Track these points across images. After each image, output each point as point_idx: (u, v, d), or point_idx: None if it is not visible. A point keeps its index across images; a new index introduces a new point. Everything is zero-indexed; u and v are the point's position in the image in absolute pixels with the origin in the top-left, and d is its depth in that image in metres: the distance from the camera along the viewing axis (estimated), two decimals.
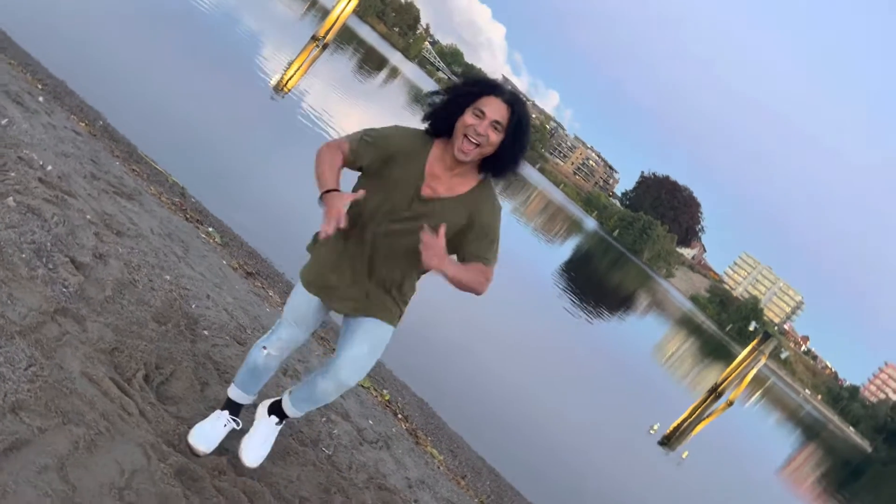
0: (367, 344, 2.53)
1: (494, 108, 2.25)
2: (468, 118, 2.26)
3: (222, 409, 2.82)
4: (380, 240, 2.42)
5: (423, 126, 2.44)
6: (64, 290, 2.97)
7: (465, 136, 2.26)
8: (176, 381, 3.01)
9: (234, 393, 2.83)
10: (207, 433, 2.71)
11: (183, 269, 4.05)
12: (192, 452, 2.64)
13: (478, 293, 2.34)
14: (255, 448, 2.77)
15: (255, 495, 2.65)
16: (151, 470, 2.37)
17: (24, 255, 2.96)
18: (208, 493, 2.47)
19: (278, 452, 3.03)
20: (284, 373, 3.90)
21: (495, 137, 2.26)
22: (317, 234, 2.60)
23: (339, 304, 2.55)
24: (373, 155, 2.39)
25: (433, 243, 2.13)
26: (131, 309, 3.23)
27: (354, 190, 2.40)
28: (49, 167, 3.87)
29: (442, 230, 2.18)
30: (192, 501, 2.37)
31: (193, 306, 3.73)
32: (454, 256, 2.40)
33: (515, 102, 2.29)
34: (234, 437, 2.82)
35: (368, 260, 2.46)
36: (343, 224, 2.17)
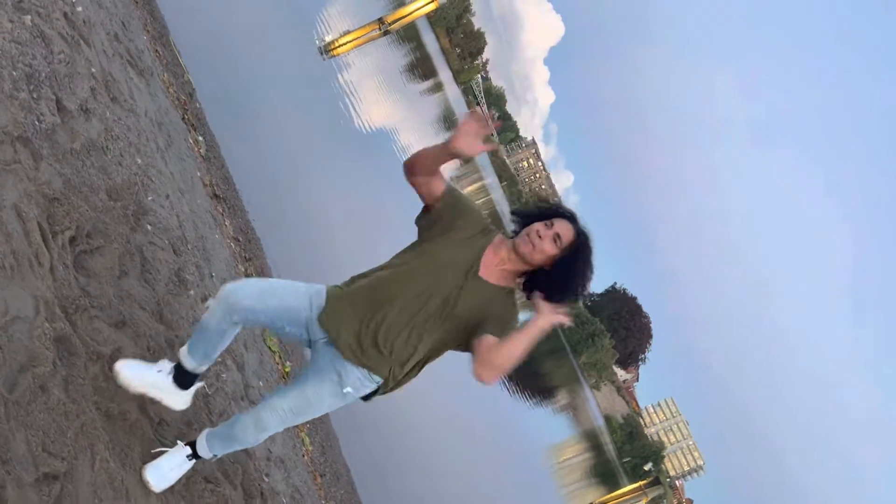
0: (310, 394, 2.43)
1: (563, 227, 2.40)
2: (538, 224, 2.40)
3: (171, 373, 2.57)
4: (428, 315, 2.38)
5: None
6: (37, 123, 2.90)
7: (528, 234, 2.39)
8: (99, 257, 2.94)
9: (181, 350, 2.59)
10: (138, 370, 2.56)
11: (157, 161, 4.00)
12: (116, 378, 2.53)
13: (493, 377, 2.38)
14: (160, 471, 2.53)
15: (116, 396, 2.57)
16: (34, 325, 2.29)
17: (14, 73, 2.89)
18: (77, 371, 2.40)
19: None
20: (204, 299, 3.83)
21: (550, 249, 2.37)
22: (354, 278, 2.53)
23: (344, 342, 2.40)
24: (452, 206, 2.47)
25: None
26: (91, 172, 3.17)
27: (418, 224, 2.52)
28: (79, 8, 3.81)
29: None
30: (58, 371, 2.30)
31: (149, 198, 3.67)
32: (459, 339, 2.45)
33: (583, 234, 2.44)
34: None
35: (409, 331, 2.39)
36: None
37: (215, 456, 2.64)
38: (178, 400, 2.63)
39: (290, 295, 2.46)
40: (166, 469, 2.55)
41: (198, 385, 2.66)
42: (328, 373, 2.41)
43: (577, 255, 2.41)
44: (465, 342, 2.44)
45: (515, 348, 2.32)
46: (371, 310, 2.39)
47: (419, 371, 2.54)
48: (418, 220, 2.54)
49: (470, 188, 60.00)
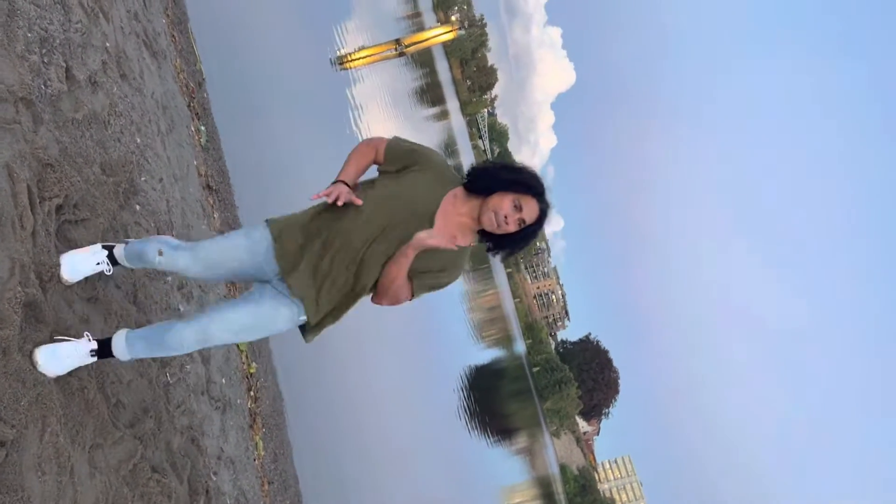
0: (266, 311, 2.41)
1: (530, 209, 2.44)
2: (507, 204, 2.41)
3: (104, 247, 2.66)
4: (374, 248, 2.40)
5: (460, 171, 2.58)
6: (43, 87, 2.89)
7: (495, 212, 2.41)
8: (82, 229, 2.92)
9: (119, 246, 2.65)
10: (77, 264, 2.60)
11: (155, 144, 3.98)
12: (59, 275, 2.55)
13: (387, 305, 2.51)
14: (56, 355, 2.36)
15: (77, 371, 2.53)
16: (6, 286, 2.26)
17: (29, 35, 2.89)
18: (42, 339, 2.36)
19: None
20: (180, 288, 3.80)
21: (514, 229, 2.43)
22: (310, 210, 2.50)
23: (291, 273, 2.42)
24: (404, 161, 2.49)
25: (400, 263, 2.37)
26: (88, 144, 3.15)
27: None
28: None
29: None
30: (24, 336, 2.26)
31: (143, 179, 3.65)
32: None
33: (546, 212, 2.48)
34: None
35: (351, 259, 2.41)
36: (341, 201, 2.28)
37: (132, 360, 2.53)
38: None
39: (230, 258, 2.48)
40: (64, 355, 2.37)
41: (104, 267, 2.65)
42: (286, 299, 2.41)
43: (536, 226, 2.48)
44: None
45: (395, 269, 2.38)
46: (322, 240, 2.41)
47: (347, 308, 2.51)
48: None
49: None
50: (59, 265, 2.59)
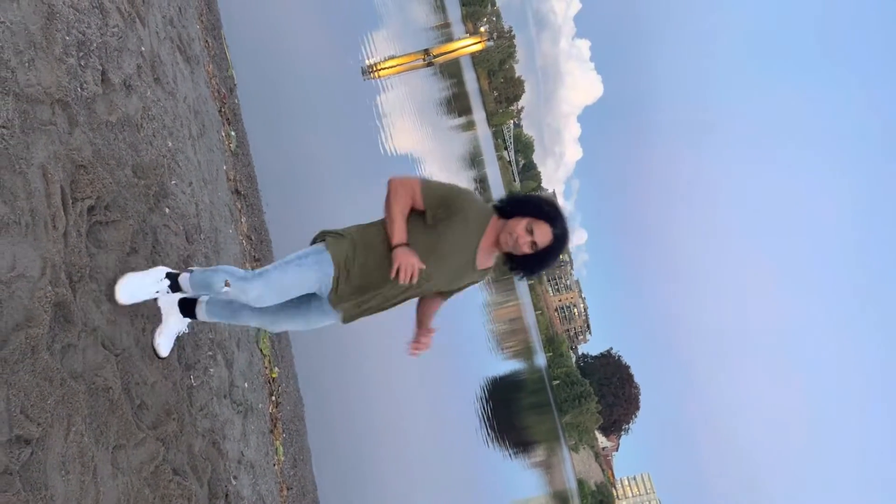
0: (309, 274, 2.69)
1: (543, 233, 2.62)
2: (520, 228, 2.62)
3: (167, 276, 2.86)
4: (423, 286, 2.69)
5: (490, 201, 2.83)
6: (79, 90, 2.94)
7: (510, 233, 2.63)
8: (112, 230, 2.95)
9: (183, 277, 2.86)
10: (136, 290, 2.77)
11: (186, 148, 4.02)
12: (115, 295, 2.70)
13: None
14: (166, 339, 2.92)
15: (103, 372, 2.55)
16: (37, 286, 2.29)
17: (67, 38, 2.93)
18: (69, 339, 2.39)
19: (150, 354, 2.95)
20: (226, 395, 3.81)
21: (527, 251, 2.64)
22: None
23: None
24: (439, 211, 2.66)
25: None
26: (121, 146, 3.19)
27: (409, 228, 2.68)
28: None
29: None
30: (53, 336, 2.28)
31: (173, 183, 3.68)
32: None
33: (561, 237, 2.66)
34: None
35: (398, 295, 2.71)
36: (416, 278, 2.53)
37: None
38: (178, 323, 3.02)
39: (302, 287, 2.71)
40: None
41: (185, 330, 3.03)
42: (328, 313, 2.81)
43: (551, 251, 2.67)
44: None
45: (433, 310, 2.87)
46: (373, 293, 2.70)
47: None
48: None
49: None
50: (113, 282, 2.74)
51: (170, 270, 2.92)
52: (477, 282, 2.90)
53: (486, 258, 2.76)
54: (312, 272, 2.67)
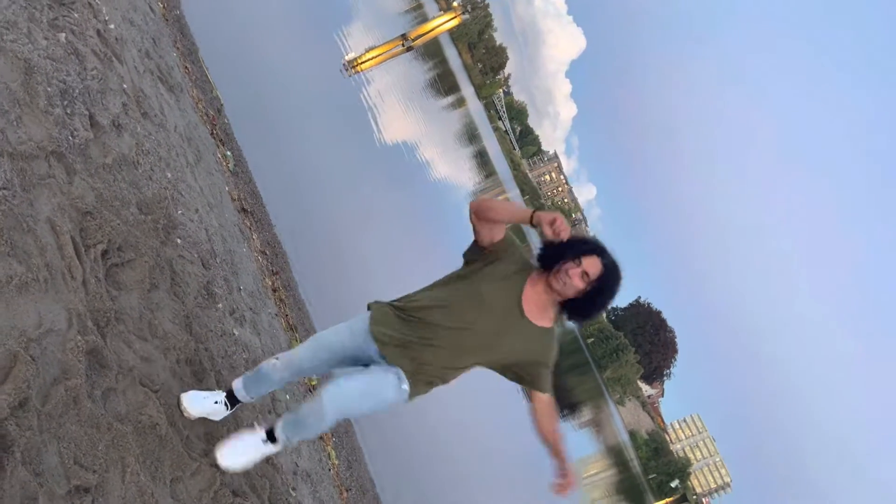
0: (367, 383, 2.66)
1: (591, 264, 2.60)
2: (570, 263, 2.60)
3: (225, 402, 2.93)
4: (476, 330, 2.62)
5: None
6: (70, 138, 2.94)
7: (559, 272, 2.61)
8: (130, 270, 2.97)
9: (236, 384, 2.91)
10: (199, 401, 2.86)
11: (186, 176, 4.03)
12: (179, 406, 2.80)
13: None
14: (232, 451, 2.81)
15: (147, 409, 2.58)
16: (67, 337, 2.31)
17: (49, 89, 2.94)
18: (108, 383, 2.41)
19: (190, 384, 2.98)
20: (231, 313, 3.84)
21: (580, 285, 2.59)
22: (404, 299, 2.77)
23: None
24: (505, 249, 2.70)
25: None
26: (122, 186, 3.20)
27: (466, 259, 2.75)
28: (112, 25, 3.88)
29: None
30: (91, 383, 2.31)
31: (179, 212, 3.70)
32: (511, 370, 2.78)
33: (611, 267, 2.63)
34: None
35: (456, 343, 2.64)
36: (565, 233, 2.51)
37: (289, 440, 2.81)
38: (223, 418, 2.99)
39: (335, 340, 2.75)
40: (242, 449, 2.81)
41: (242, 402, 3.00)
42: (389, 371, 2.65)
43: (604, 284, 2.61)
44: (511, 376, 2.81)
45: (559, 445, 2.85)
46: (415, 335, 2.64)
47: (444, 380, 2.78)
48: (468, 254, 2.76)
49: None
50: (139, 320, 2.80)
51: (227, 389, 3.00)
52: (539, 350, 2.74)
53: (539, 312, 2.68)
54: (344, 327, 2.74)
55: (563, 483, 2.80)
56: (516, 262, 2.71)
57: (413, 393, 2.68)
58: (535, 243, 2.77)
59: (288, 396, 4.27)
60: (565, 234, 2.49)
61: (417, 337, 2.63)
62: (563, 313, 2.72)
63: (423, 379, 2.67)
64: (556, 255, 2.64)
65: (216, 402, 2.90)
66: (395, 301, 2.76)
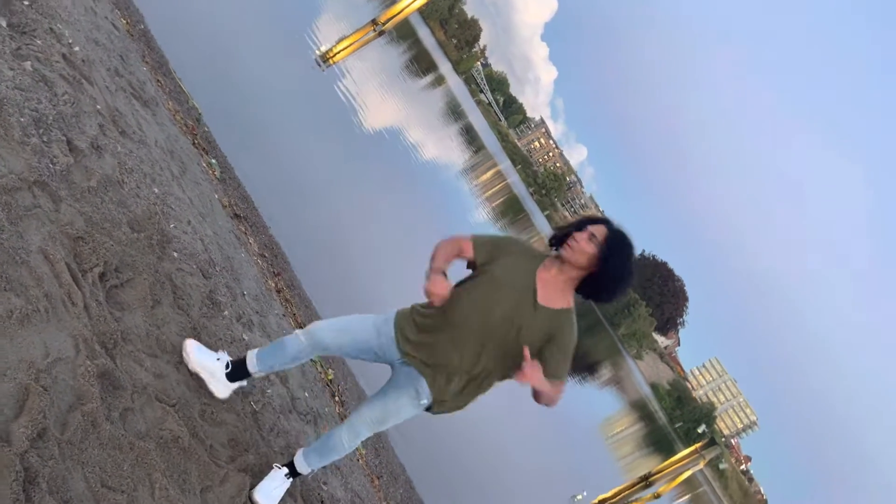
0: (390, 403, 2.87)
1: (596, 228, 2.67)
2: (576, 233, 2.67)
3: (228, 367, 3.00)
4: (494, 332, 2.67)
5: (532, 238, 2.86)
6: (51, 166, 2.92)
7: (569, 244, 2.66)
8: (130, 290, 2.95)
9: (250, 353, 2.98)
10: (203, 353, 2.98)
11: (173, 189, 4.00)
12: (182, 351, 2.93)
13: (550, 406, 2.74)
14: (265, 493, 2.89)
15: (167, 424, 2.58)
16: (76, 363, 2.30)
17: (22, 119, 2.90)
18: (124, 403, 2.41)
19: (206, 392, 2.98)
20: (238, 318, 3.84)
21: (588, 247, 2.62)
22: (423, 305, 2.81)
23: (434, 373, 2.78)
24: (491, 253, 2.75)
25: (535, 363, 2.53)
26: (110, 207, 3.18)
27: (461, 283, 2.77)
28: (76, 48, 3.83)
29: (526, 351, 2.53)
30: (107, 405, 2.31)
31: (171, 226, 3.67)
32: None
33: (618, 232, 2.66)
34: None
35: (479, 348, 2.69)
36: (443, 300, 2.59)
37: (313, 470, 3.02)
38: (222, 389, 3.01)
39: (360, 330, 2.84)
40: (270, 489, 2.90)
41: (241, 383, 3.05)
42: (406, 388, 2.81)
43: (616, 251, 2.63)
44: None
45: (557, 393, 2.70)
46: (438, 329, 2.72)
47: (475, 394, 2.87)
48: (468, 267, 2.83)
49: (485, 176, 59.75)
50: (146, 337, 2.85)
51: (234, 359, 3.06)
52: (554, 329, 2.69)
53: (554, 294, 2.68)
54: (370, 323, 2.84)
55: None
56: (521, 251, 2.77)
57: (438, 406, 2.84)
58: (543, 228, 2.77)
59: (307, 394, 4.28)
60: (437, 301, 2.58)
61: (444, 338, 2.71)
62: (582, 294, 2.74)
63: (447, 388, 2.77)
64: (565, 234, 2.71)
65: (218, 360, 2.98)
66: (419, 306, 2.82)
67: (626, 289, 2.73)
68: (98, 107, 3.62)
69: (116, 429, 2.29)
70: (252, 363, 2.96)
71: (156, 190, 3.73)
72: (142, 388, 2.57)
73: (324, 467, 3.73)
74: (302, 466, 2.98)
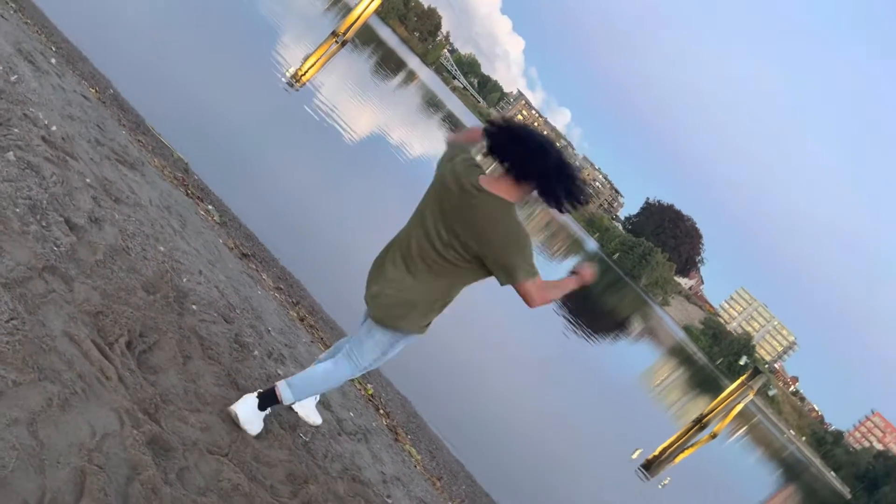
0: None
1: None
2: None
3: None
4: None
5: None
6: (55, 248, 2.94)
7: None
8: (159, 352, 2.98)
9: (280, 389, 3.00)
10: (249, 408, 2.99)
11: (178, 243, 4.02)
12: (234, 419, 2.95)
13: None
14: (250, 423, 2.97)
15: (224, 475, 2.61)
16: (123, 435, 2.33)
17: (18, 210, 2.93)
18: (179, 464, 2.44)
19: (254, 438, 3.00)
20: (269, 355, 3.86)
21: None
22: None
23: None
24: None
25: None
26: (121, 275, 3.20)
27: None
28: (53, 127, 3.85)
29: None
30: (163, 469, 2.33)
31: (185, 280, 3.70)
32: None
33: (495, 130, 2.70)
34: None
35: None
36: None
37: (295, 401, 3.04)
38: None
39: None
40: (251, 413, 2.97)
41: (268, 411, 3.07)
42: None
43: (508, 135, 2.64)
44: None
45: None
46: (382, 256, 2.98)
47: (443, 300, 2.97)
48: None
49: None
50: (185, 393, 2.82)
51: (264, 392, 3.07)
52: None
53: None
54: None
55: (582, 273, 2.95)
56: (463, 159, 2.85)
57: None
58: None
59: (352, 413, 4.30)
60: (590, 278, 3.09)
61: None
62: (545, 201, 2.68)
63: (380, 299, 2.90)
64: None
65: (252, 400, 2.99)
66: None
67: (552, 169, 2.58)
68: (87, 180, 3.64)
69: (176, 490, 2.31)
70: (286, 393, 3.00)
71: (161, 248, 3.75)
72: (192, 444, 2.59)
73: (384, 482, 3.77)
74: (286, 395, 2.99)
